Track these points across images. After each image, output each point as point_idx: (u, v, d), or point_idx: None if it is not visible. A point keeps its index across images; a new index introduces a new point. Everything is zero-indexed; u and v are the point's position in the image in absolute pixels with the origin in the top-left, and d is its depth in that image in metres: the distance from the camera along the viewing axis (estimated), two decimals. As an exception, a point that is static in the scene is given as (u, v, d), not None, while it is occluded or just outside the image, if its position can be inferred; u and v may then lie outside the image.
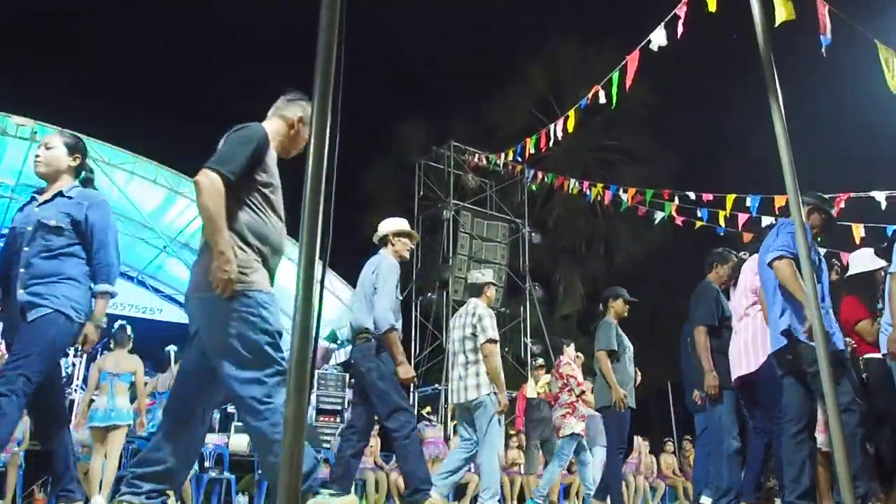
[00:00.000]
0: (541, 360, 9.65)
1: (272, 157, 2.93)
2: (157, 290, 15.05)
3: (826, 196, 4.43)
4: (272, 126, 2.99)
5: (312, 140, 1.79)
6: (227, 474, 8.41)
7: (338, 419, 11.76)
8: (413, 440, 4.35)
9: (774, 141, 4.01)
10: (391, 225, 4.92)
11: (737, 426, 4.60)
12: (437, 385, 13.02)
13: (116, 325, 7.32)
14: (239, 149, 2.77)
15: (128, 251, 14.12)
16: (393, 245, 4.82)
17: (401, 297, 4.73)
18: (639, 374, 5.68)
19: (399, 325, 4.52)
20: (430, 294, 13.60)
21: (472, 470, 9.81)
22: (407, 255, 4.89)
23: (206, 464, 8.18)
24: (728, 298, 5.21)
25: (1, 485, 7.22)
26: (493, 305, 13.47)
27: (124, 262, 14.21)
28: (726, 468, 4.55)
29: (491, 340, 5.15)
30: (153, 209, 12.72)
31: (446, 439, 9.93)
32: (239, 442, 9.24)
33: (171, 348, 8.37)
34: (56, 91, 21.12)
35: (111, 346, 7.35)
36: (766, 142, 4.19)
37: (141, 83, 26.00)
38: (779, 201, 8.91)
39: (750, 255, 5.04)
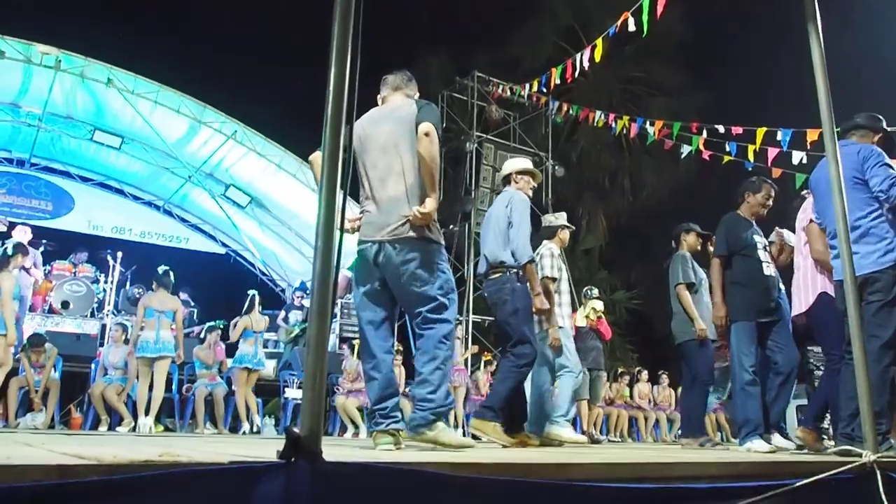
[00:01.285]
0: (596, 292, 9.65)
1: None
2: (183, 220, 15.23)
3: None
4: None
5: (333, 70, 1.80)
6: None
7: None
8: (522, 374, 4.59)
9: (811, 71, 3.92)
10: (514, 164, 5.19)
11: (752, 358, 4.51)
12: (458, 316, 13.18)
13: (160, 269, 7.76)
14: (435, 114, 3.34)
15: (153, 181, 14.28)
16: (517, 183, 5.05)
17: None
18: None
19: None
20: (451, 226, 13.60)
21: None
22: (530, 192, 5.07)
23: (234, 387, 8.44)
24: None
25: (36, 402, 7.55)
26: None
27: (150, 191, 14.40)
28: (740, 400, 4.55)
29: (547, 278, 5.51)
30: (177, 139, 12.75)
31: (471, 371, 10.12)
32: (269, 366, 9.52)
33: (253, 292, 8.79)
34: (81, 20, 20.98)
35: (154, 287, 7.92)
36: (800, 74, 4.08)
37: (166, 12, 25.70)
38: (811, 135, 8.69)
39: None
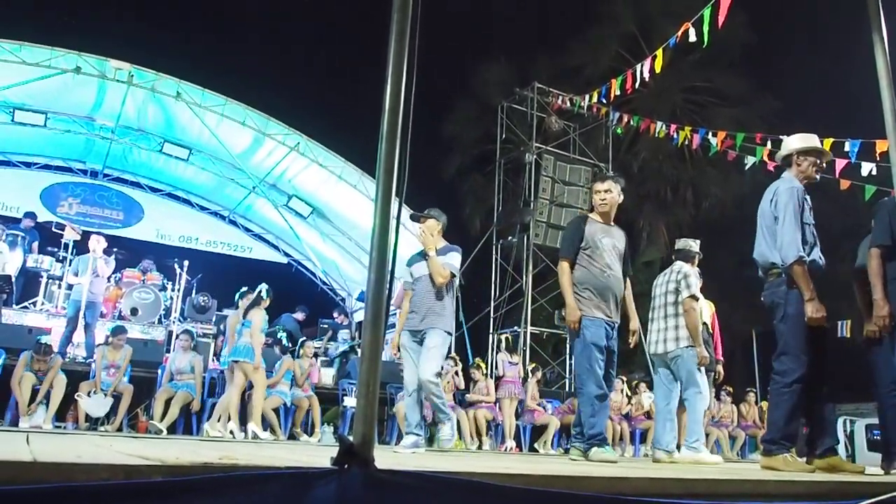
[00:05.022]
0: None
1: None
2: (247, 230, 15.60)
3: None
4: None
5: (389, 79, 1.84)
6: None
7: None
8: (793, 392, 3.89)
9: (876, 81, 3.80)
10: (796, 141, 4.34)
11: None
12: (516, 328, 13.14)
13: (265, 289, 7.82)
14: None
15: (219, 191, 14.68)
16: (798, 165, 4.27)
17: (810, 222, 4.15)
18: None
19: (814, 256, 4.08)
20: (510, 238, 13.59)
21: (551, 412, 9.97)
22: (816, 176, 4.29)
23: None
24: None
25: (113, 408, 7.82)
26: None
27: (216, 201, 14.81)
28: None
29: (693, 297, 5.62)
30: (242, 150, 13.09)
31: (523, 381, 10.05)
32: (325, 375, 9.64)
33: (263, 286, 8.76)
34: (151, 36, 21.78)
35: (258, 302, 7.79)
36: (868, 83, 3.95)
37: (232, 28, 26.46)
38: (881, 146, 8.42)
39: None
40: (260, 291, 7.69)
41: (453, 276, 5.37)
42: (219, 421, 7.49)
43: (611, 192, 4.80)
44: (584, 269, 4.65)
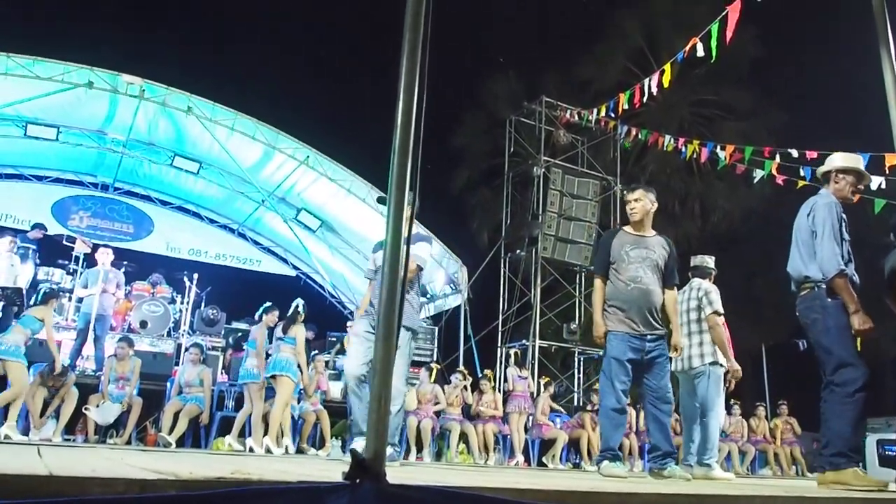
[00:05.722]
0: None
1: None
2: (256, 243, 15.66)
3: None
4: None
5: (401, 96, 1.86)
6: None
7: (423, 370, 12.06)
8: (857, 402, 3.79)
9: (885, 94, 3.80)
10: (838, 160, 4.37)
11: None
12: (524, 341, 13.12)
13: (300, 304, 7.89)
14: None
15: (228, 204, 14.76)
16: (837, 183, 4.29)
17: (846, 238, 4.16)
18: None
19: (849, 272, 4.05)
20: (518, 251, 13.59)
21: (559, 426, 9.93)
22: (852, 197, 4.31)
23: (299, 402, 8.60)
24: None
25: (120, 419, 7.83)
26: (582, 263, 13.39)
27: (226, 214, 14.88)
28: None
29: (717, 313, 5.67)
30: (252, 164, 13.16)
31: (534, 395, 10.03)
32: (334, 388, 9.64)
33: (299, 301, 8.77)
34: (162, 50, 21.99)
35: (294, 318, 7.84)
36: (877, 96, 3.96)
37: (243, 42, 26.69)
38: (890, 159, 8.40)
39: None
40: (297, 307, 7.75)
41: (420, 269, 5.09)
42: (243, 437, 7.52)
43: (640, 201, 4.81)
44: (611, 283, 4.69)
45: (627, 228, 4.84)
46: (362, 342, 4.90)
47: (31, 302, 7.97)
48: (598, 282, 4.74)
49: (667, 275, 4.76)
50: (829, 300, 3.98)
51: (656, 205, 4.92)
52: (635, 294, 4.58)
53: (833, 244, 3.99)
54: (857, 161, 4.40)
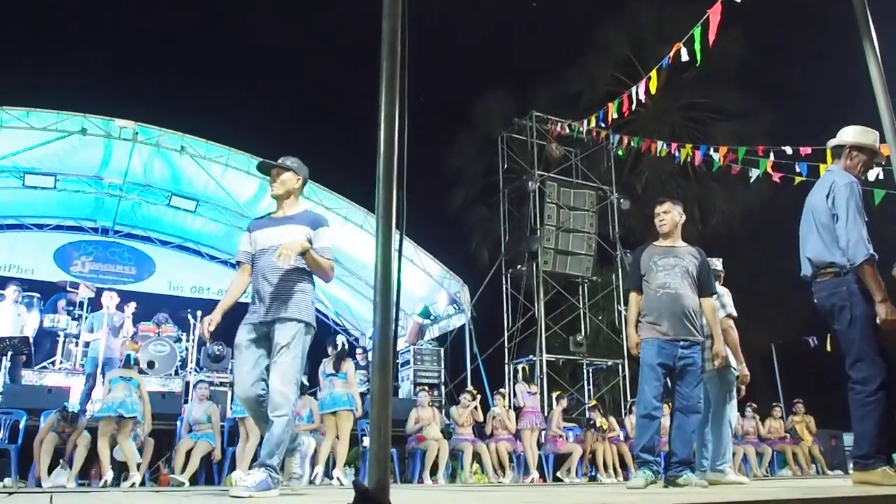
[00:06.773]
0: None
1: None
2: (257, 276, 15.68)
3: None
4: None
5: (382, 126, 1.89)
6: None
7: (435, 392, 12.02)
8: (878, 401, 3.65)
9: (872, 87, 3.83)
10: (851, 134, 4.09)
11: None
12: (531, 356, 13.08)
13: (343, 341, 8.23)
14: None
15: (227, 239, 14.79)
16: (849, 160, 4.04)
17: (866, 219, 3.86)
18: None
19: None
20: (519, 266, 13.58)
21: (572, 440, 9.88)
22: (862, 177, 4.07)
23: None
24: None
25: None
26: (584, 274, 13.38)
27: (225, 249, 14.93)
28: None
29: (730, 316, 5.66)
30: (248, 198, 13.21)
31: (546, 409, 9.99)
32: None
33: (342, 338, 9.22)
34: (154, 93, 22.19)
35: (328, 351, 8.23)
36: (866, 89, 3.97)
37: (233, 78, 26.90)
38: (885, 150, 8.41)
39: None
40: (344, 344, 8.40)
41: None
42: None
43: (669, 213, 4.95)
44: (644, 295, 4.77)
45: (657, 242, 4.95)
46: (247, 355, 4.00)
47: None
48: (632, 296, 4.83)
49: (701, 283, 4.77)
50: (856, 286, 3.74)
51: (684, 217, 5.03)
52: (665, 299, 4.62)
53: (860, 227, 3.73)
54: (873, 137, 4.07)
